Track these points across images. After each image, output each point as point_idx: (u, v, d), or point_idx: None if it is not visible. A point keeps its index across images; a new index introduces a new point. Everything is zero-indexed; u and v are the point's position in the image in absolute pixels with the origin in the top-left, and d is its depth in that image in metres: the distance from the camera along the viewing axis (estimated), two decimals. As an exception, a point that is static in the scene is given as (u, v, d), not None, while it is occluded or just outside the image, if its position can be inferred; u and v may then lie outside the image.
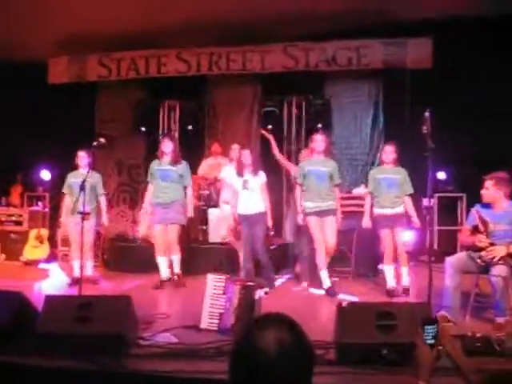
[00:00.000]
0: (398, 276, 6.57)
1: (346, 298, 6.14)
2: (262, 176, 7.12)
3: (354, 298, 6.17)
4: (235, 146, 7.91)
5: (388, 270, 6.52)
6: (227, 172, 7.78)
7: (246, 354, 1.58)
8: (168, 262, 7.08)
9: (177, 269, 7.07)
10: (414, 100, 8.49)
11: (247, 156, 7.10)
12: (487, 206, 5.19)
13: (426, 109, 4.96)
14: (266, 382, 1.53)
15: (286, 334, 1.59)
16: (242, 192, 7.07)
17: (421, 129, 4.90)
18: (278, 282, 7.41)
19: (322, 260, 6.60)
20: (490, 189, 5.12)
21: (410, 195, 6.57)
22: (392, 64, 9.16)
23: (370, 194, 6.69)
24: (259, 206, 7.04)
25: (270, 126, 9.51)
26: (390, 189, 6.51)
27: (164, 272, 7.03)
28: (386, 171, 6.60)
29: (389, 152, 6.60)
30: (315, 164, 6.75)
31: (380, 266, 7.12)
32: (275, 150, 7.89)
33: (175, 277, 7.05)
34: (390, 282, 6.49)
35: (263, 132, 8.35)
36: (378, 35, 9.15)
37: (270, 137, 8.03)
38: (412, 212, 6.51)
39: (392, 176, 6.54)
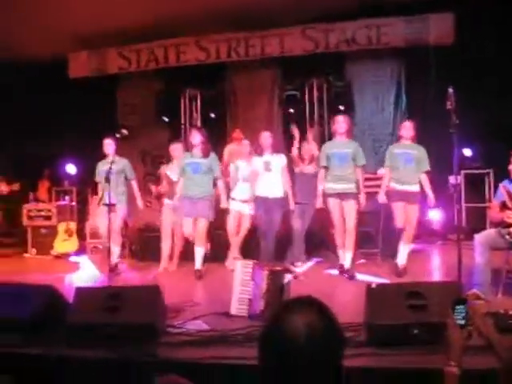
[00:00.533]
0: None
1: (367, 279, 6.09)
2: (282, 158, 7.10)
3: (377, 279, 6.06)
4: (246, 142, 7.78)
5: (402, 246, 6.44)
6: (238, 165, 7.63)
7: (275, 339, 1.58)
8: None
9: (198, 264, 6.91)
10: (436, 77, 8.36)
11: (267, 138, 7.08)
12: (514, 180, 5.11)
13: (448, 85, 4.89)
14: (296, 366, 1.53)
15: (316, 318, 1.58)
16: (264, 174, 7.05)
17: (445, 105, 4.83)
18: (307, 265, 7.40)
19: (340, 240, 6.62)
20: None
21: (428, 173, 6.48)
22: (413, 41, 9.01)
23: (387, 169, 6.63)
24: (279, 190, 7.04)
25: (291, 110, 9.47)
26: (407, 164, 6.44)
27: (200, 262, 6.94)
28: (404, 147, 6.54)
29: (408, 128, 6.53)
30: (338, 146, 6.69)
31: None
32: (294, 148, 7.73)
33: (197, 272, 6.88)
34: (401, 260, 6.44)
35: (293, 128, 8.17)
36: (398, 13, 9.01)
37: (296, 133, 7.86)
38: (428, 189, 6.43)
39: (410, 151, 6.47)
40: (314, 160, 7.51)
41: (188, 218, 7.00)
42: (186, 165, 7.07)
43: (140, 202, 7.56)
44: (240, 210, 7.43)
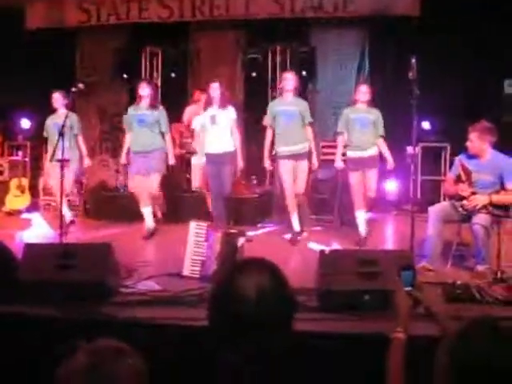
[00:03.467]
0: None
1: (321, 246, 5.94)
2: (231, 111, 6.80)
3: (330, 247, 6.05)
4: (215, 85, 7.49)
5: (360, 215, 6.44)
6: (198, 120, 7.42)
7: (225, 300, 1.56)
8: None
9: (150, 222, 6.86)
10: (400, 49, 8.37)
11: (215, 89, 6.74)
12: (472, 156, 5.17)
13: (411, 56, 4.90)
14: (246, 329, 1.52)
15: (267, 279, 1.57)
16: (210, 128, 6.77)
17: (407, 75, 4.84)
18: (261, 230, 7.41)
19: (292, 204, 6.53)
20: (475, 141, 5.06)
21: (383, 138, 6.44)
22: (379, 11, 8.97)
23: (341, 134, 6.54)
24: (228, 144, 6.77)
25: (253, 74, 9.38)
26: (363, 128, 6.36)
27: (150, 222, 6.86)
28: (359, 111, 6.43)
29: (364, 92, 6.41)
30: (284, 104, 6.53)
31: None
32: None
33: (150, 227, 6.84)
34: (362, 230, 6.44)
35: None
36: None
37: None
38: (386, 153, 6.41)
39: (366, 115, 6.38)
40: None
41: (139, 176, 6.79)
42: (132, 117, 6.87)
43: (87, 161, 7.34)
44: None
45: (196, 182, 7.94)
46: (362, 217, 6.45)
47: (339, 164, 6.53)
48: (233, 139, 6.82)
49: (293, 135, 6.47)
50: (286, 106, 6.50)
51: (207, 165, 6.94)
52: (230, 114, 6.79)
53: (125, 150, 7.00)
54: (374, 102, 6.46)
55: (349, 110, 6.54)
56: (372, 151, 6.40)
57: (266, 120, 6.66)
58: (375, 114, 6.41)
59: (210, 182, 6.96)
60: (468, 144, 5.13)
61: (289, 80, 6.51)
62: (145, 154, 6.77)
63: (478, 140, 5.05)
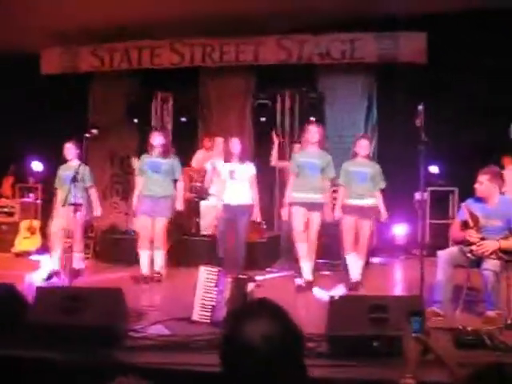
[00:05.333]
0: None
1: (325, 292, 6.01)
2: (250, 167, 6.97)
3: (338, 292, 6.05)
4: (220, 140, 7.80)
5: (350, 259, 6.44)
6: (215, 163, 7.60)
7: (233, 348, 1.58)
8: (150, 258, 6.87)
9: (157, 266, 6.83)
10: (408, 94, 8.49)
11: (236, 144, 6.92)
12: (479, 200, 5.18)
13: (419, 103, 4.97)
14: (256, 373, 1.53)
15: (270, 321, 1.58)
16: (229, 182, 6.90)
17: (414, 122, 4.90)
18: (270, 275, 7.40)
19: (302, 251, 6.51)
20: (485, 183, 5.07)
21: (382, 190, 6.53)
22: (386, 58, 9.15)
23: (341, 187, 6.61)
24: (245, 197, 6.90)
25: (263, 119, 9.51)
26: (362, 183, 6.45)
27: (144, 267, 6.80)
28: (359, 164, 6.52)
29: (364, 146, 6.52)
30: (308, 157, 6.60)
31: (372, 259, 7.10)
32: (274, 156, 7.73)
33: (156, 274, 6.80)
34: (353, 274, 6.42)
35: (273, 135, 8.12)
36: (373, 29, 9.14)
37: (276, 141, 7.86)
38: (381, 206, 6.48)
39: (365, 170, 6.47)
40: None
41: (145, 217, 6.84)
42: (145, 164, 6.95)
43: (99, 210, 7.29)
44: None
45: (206, 222, 7.94)
46: (352, 261, 6.43)
47: (338, 214, 6.56)
48: (251, 193, 6.94)
49: (311, 185, 6.51)
50: (310, 159, 6.56)
51: (224, 213, 6.98)
52: (249, 170, 6.95)
53: (136, 193, 7.02)
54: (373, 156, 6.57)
55: (349, 163, 6.61)
56: (367, 201, 6.46)
57: (292, 168, 6.69)
58: (374, 168, 6.52)
59: (224, 230, 7.02)
60: (477, 187, 5.14)
61: (313, 133, 6.59)
62: (154, 198, 6.83)
63: (488, 183, 5.06)
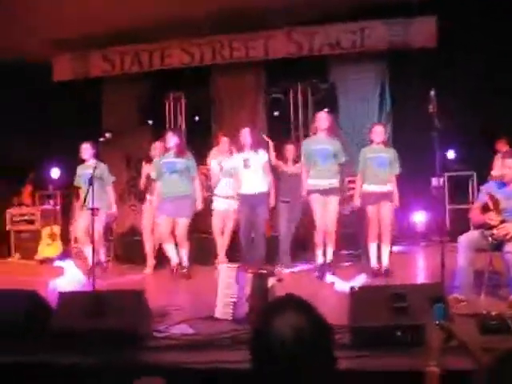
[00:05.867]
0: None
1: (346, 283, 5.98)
2: (263, 154, 7.06)
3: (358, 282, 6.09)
4: (225, 139, 7.81)
5: (372, 247, 6.55)
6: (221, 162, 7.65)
7: (263, 345, 1.58)
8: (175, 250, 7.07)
9: (184, 263, 7.04)
10: (420, 79, 8.41)
11: (247, 134, 7.03)
12: (500, 182, 5.13)
13: (431, 88, 4.92)
14: (287, 366, 1.53)
15: (299, 317, 1.59)
16: (243, 171, 7.01)
17: (427, 108, 4.86)
18: (292, 269, 7.39)
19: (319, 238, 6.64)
20: None
21: (397, 176, 6.61)
22: (396, 45, 9.08)
23: (360, 173, 6.69)
24: (261, 185, 7.00)
25: (276, 114, 9.48)
26: (380, 167, 6.54)
27: (174, 257, 7.02)
28: (377, 150, 6.61)
29: (379, 133, 6.63)
30: (319, 143, 6.71)
31: (392, 248, 7.04)
32: (271, 156, 7.70)
33: (184, 270, 7.00)
34: (373, 261, 6.56)
35: (264, 136, 8.12)
36: (382, 16, 9.05)
37: (270, 143, 7.86)
38: (395, 191, 6.56)
39: (383, 155, 6.56)
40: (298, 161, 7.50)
41: (167, 217, 6.97)
42: (162, 165, 7.07)
43: (114, 208, 7.54)
44: (224, 208, 7.48)
45: (216, 228, 7.83)
46: (375, 249, 6.55)
47: (357, 202, 6.68)
48: (266, 181, 7.02)
49: (324, 172, 6.64)
50: (321, 145, 6.67)
51: (241, 206, 7.11)
52: (262, 157, 7.05)
53: (156, 195, 7.19)
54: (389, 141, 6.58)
55: (366, 150, 6.71)
56: (386, 187, 6.54)
57: (304, 159, 6.81)
58: (391, 154, 6.61)
59: (242, 225, 7.07)
60: (505, 172, 5.10)
61: (323, 119, 6.74)
62: (174, 198, 6.92)
63: None
